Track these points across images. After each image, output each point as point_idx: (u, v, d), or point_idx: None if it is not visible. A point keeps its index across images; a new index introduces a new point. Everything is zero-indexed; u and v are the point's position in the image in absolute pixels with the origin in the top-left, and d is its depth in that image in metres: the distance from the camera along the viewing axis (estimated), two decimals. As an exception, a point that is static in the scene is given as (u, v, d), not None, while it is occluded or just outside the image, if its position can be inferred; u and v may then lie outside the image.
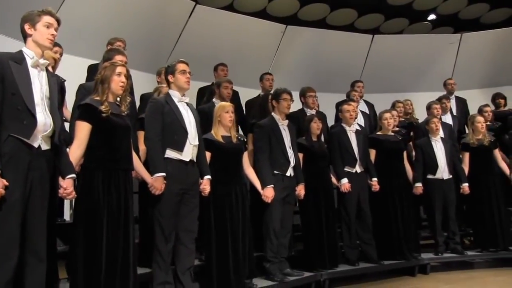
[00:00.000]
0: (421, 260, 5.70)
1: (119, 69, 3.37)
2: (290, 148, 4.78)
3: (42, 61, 2.89)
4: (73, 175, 3.00)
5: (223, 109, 4.33)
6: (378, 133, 5.95)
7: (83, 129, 3.21)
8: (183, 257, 3.79)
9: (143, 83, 5.89)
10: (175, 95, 3.92)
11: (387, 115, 5.88)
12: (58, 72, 4.12)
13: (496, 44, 8.89)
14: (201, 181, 3.97)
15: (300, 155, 5.07)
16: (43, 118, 2.79)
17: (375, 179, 5.59)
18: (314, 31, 8.64)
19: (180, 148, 3.78)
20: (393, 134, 5.94)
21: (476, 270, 6.01)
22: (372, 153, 5.79)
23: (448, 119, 6.98)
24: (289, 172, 4.73)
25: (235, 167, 4.35)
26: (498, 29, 9.14)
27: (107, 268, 3.08)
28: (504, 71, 8.92)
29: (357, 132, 5.63)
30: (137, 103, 4.85)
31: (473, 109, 7.57)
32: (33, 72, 2.84)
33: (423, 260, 5.73)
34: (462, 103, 7.71)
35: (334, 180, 5.40)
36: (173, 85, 3.95)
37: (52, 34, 2.91)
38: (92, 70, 4.90)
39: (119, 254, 3.15)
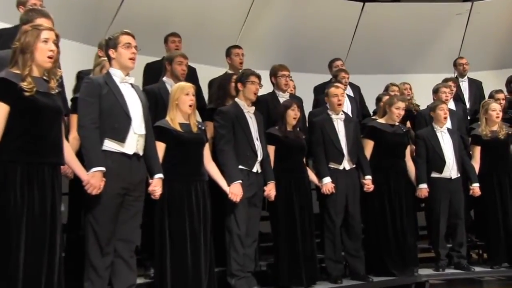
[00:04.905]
0: (418, 277, 5.75)
1: (45, 34, 3.21)
2: (257, 139, 4.84)
3: None
4: None
5: (182, 91, 4.33)
6: (380, 120, 5.90)
7: None
8: (121, 273, 3.78)
9: (78, 56, 5.86)
10: (116, 74, 3.88)
11: (401, 104, 5.76)
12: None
13: (513, 16, 8.97)
14: (151, 180, 3.96)
15: (272, 148, 5.10)
16: None
17: (369, 177, 5.58)
18: (291, -3, 8.65)
19: (121, 138, 3.75)
20: (397, 124, 5.86)
21: (484, 290, 6.09)
22: (369, 145, 5.76)
23: (451, 106, 6.91)
24: (256, 167, 4.78)
25: (196, 161, 4.37)
26: (518, -4, 9.16)
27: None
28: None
29: (346, 120, 5.62)
30: (69, 80, 4.78)
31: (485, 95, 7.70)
32: None
33: (421, 277, 5.78)
34: (476, 86, 7.74)
35: (314, 178, 5.43)
36: (114, 61, 3.90)
37: None
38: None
39: (43, 271, 3.06)
